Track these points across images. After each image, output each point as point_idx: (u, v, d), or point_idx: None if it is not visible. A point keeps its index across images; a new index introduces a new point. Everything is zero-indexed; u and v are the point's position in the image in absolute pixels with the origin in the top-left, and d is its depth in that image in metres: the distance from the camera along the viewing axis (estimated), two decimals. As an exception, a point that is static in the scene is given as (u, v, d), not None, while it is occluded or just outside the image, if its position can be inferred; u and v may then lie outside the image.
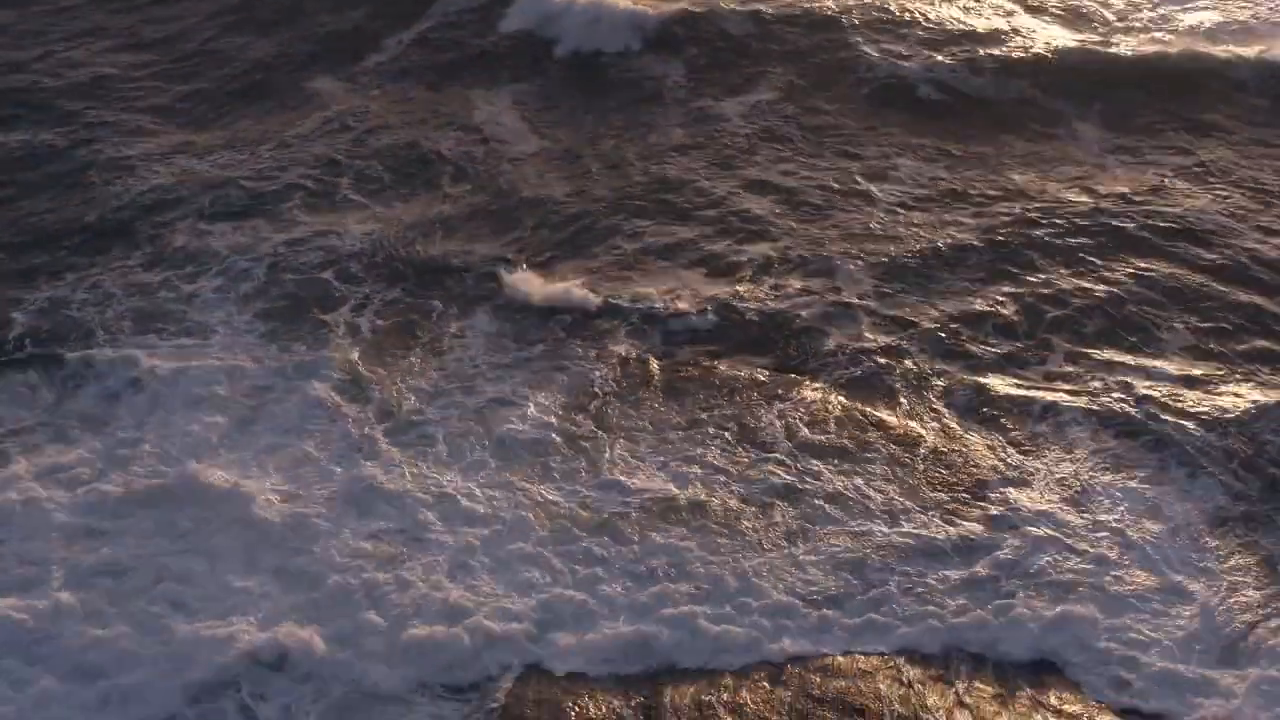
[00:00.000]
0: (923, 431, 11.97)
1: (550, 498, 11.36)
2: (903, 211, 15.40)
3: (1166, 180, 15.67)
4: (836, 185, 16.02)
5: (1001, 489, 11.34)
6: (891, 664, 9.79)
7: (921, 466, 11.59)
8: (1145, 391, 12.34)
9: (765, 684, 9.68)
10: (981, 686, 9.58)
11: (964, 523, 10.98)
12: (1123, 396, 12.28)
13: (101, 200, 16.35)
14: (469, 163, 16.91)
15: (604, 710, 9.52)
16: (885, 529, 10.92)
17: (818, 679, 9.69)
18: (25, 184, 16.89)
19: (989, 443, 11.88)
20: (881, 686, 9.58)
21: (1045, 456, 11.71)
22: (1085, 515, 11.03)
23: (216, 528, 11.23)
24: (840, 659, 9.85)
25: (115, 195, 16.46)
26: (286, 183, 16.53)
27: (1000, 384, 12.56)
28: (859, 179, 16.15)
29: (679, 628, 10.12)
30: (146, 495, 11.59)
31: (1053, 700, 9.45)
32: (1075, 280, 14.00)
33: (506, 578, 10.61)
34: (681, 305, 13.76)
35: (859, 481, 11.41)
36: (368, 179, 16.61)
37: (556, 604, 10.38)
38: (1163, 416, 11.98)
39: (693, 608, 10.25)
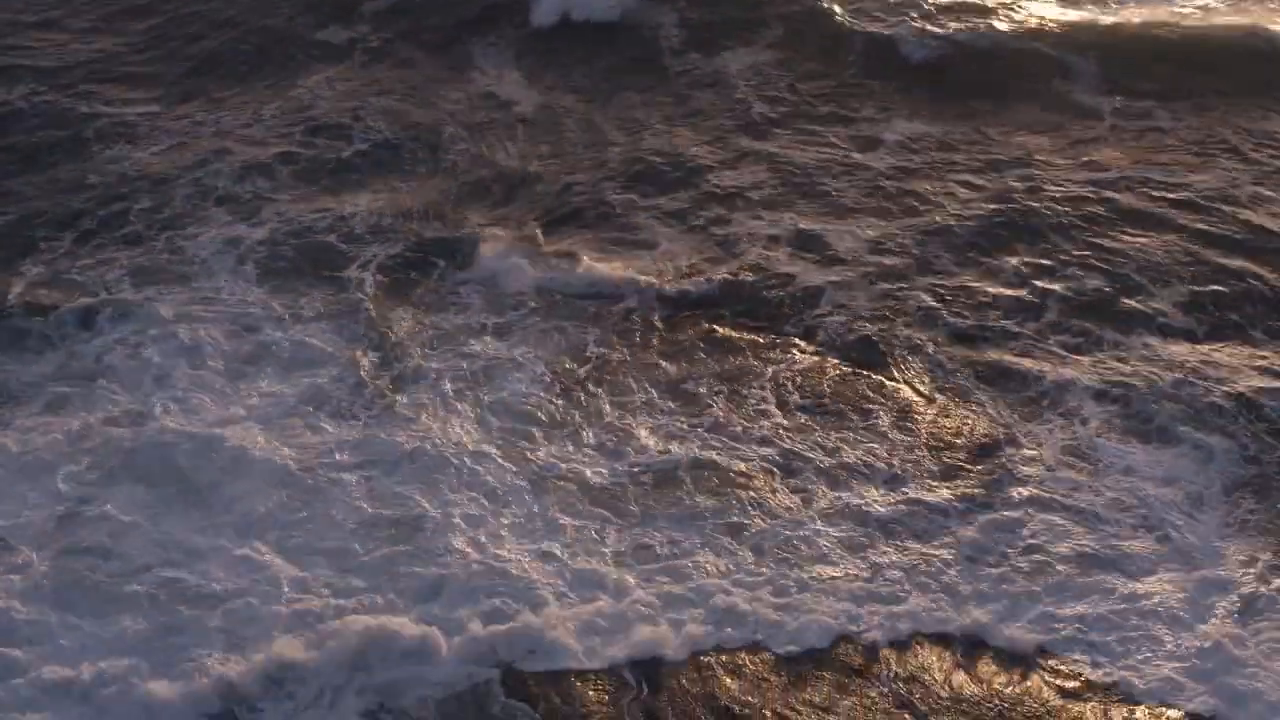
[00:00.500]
0: (919, 397, 11.97)
1: (548, 461, 11.37)
2: (898, 177, 15.41)
3: (1170, 149, 15.70)
4: (831, 149, 16.02)
5: (1003, 454, 11.31)
6: (891, 633, 9.76)
7: (921, 432, 11.59)
8: (1148, 355, 12.38)
9: (759, 662, 9.62)
10: (984, 660, 9.53)
11: (965, 489, 10.98)
12: (1123, 361, 12.31)
13: (101, 162, 16.36)
14: (468, 127, 16.91)
15: (606, 688, 9.46)
16: (884, 495, 10.93)
17: (811, 661, 9.62)
18: (25, 146, 16.89)
19: (989, 407, 11.85)
20: (887, 655, 9.60)
21: (1047, 421, 11.68)
22: (1090, 481, 10.99)
23: (217, 476, 11.31)
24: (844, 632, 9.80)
25: (115, 158, 16.49)
26: (286, 147, 16.56)
27: (998, 348, 12.56)
28: (852, 144, 16.15)
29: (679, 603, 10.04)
30: (149, 447, 11.65)
31: (1060, 670, 9.45)
32: (1074, 246, 14.00)
33: (505, 543, 10.56)
34: (676, 270, 13.77)
35: (860, 447, 11.41)
36: (367, 143, 16.63)
37: (560, 573, 10.29)
38: (1167, 379, 12.02)
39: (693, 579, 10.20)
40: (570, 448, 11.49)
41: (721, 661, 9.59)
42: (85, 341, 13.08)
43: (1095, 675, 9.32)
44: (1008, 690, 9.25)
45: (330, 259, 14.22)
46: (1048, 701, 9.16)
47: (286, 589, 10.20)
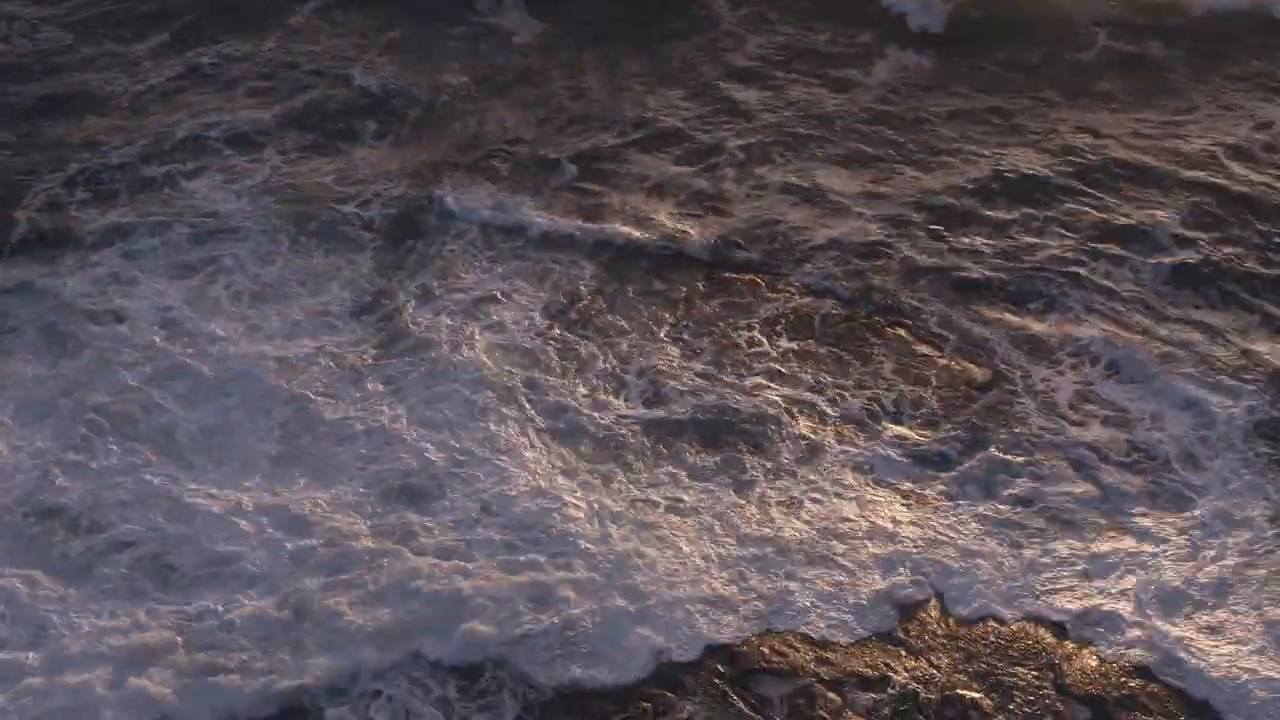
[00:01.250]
0: (921, 341, 11.89)
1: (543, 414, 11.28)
2: (896, 126, 15.32)
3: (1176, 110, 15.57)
4: (830, 98, 15.93)
5: (1008, 397, 11.24)
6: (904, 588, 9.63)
7: (922, 376, 11.52)
8: (1154, 303, 12.29)
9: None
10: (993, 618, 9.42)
11: (965, 431, 10.92)
12: (1131, 284, 12.28)
13: (102, 98, 16.25)
14: (469, 70, 16.76)
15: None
16: (886, 436, 10.87)
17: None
18: (25, 81, 16.76)
19: (995, 350, 11.78)
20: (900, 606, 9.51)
21: (1052, 358, 11.60)
22: (1096, 424, 10.95)
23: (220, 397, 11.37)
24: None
25: (115, 95, 16.38)
26: (289, 83, 16.42)
27: (997, 281, 12.51)
28: (848, 93, 16.03)
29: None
30: (155, 375, 11.66)
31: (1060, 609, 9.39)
32: (1075, 200, 13.84)
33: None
34: (673, 216, 13.69)
35: (859, 391, 11.34)
36: (370, 77, 16.49)
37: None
38: (1172, 328, 11.93)
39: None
40: (564, 393, 11.39)
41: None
42: (84, 278, 13.00)
43: (1095, 617, 9.26)
44: (1005, 632, 9.20)
45: (330, 195, 14.13)
46: (1042, 640, 9.12)
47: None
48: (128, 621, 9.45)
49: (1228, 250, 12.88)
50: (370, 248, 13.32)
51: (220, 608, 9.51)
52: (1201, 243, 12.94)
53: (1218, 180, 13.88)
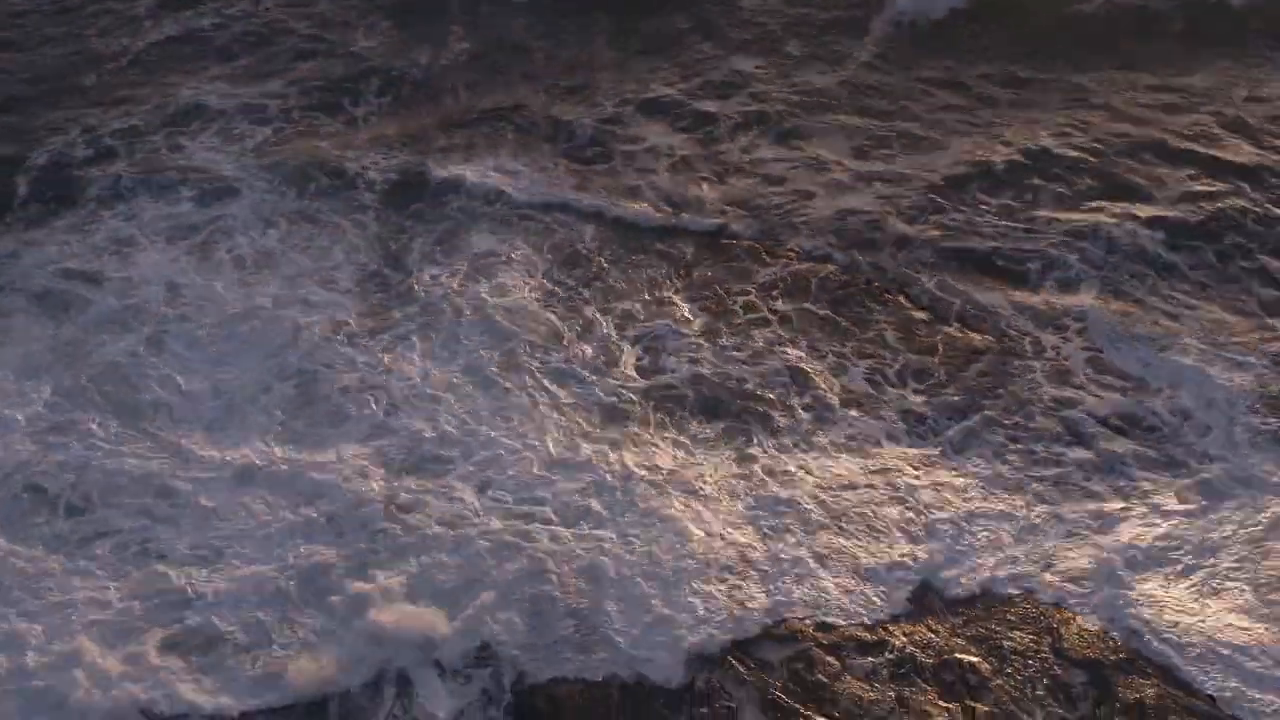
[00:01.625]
0: (920, 309, 11.87)
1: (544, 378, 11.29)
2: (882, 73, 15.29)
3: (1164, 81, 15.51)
4: (814, 63, 15.92)
5: (1008, 362, 11.22)
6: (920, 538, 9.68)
7: (923, 338, 11.51)
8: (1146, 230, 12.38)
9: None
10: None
11: (964, 397, 10.90)
12: (1127, 241, 12.26)
13: (102, 58, 16.18)
14: (471, 36, 16.67)
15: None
16: (887, 403, 10.86)
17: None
18: (27, 41, 16.67)
19: (992, 309, 11.78)
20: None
21: (1056, 324, 11.58)
22: (1097, 388, 10.93)
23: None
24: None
25: (115, 56, 16.32)
26: (290, 44, 16.37)
27: (997, 249, 12.46)
28: (836, 61, 15.99)
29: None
30: (154, 338, 11.68)
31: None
32: (1065, 137, 13.90)
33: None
34: (667, 182, 13.65)
35: (862, 357, 11.33)
36: (371, 42, 16.40)
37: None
38: (1179, 299, 11.90)
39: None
40: (567, 358, 11.38)
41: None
42: (85, 237, 13.01)
43: (1094, 582, 9.27)
44: (1003, 597, 9.24)
45: (331, 158, 14.10)
46: (1040, 605, 9.15)
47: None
48: (120, 592, 9.35)
49: (1231, 219, 12.86)
50: (372, 209, 13.31)
51: (218, 576, 9.42)
52: (1205, 211, 12.91)
53: (1218, 152, 13.80)
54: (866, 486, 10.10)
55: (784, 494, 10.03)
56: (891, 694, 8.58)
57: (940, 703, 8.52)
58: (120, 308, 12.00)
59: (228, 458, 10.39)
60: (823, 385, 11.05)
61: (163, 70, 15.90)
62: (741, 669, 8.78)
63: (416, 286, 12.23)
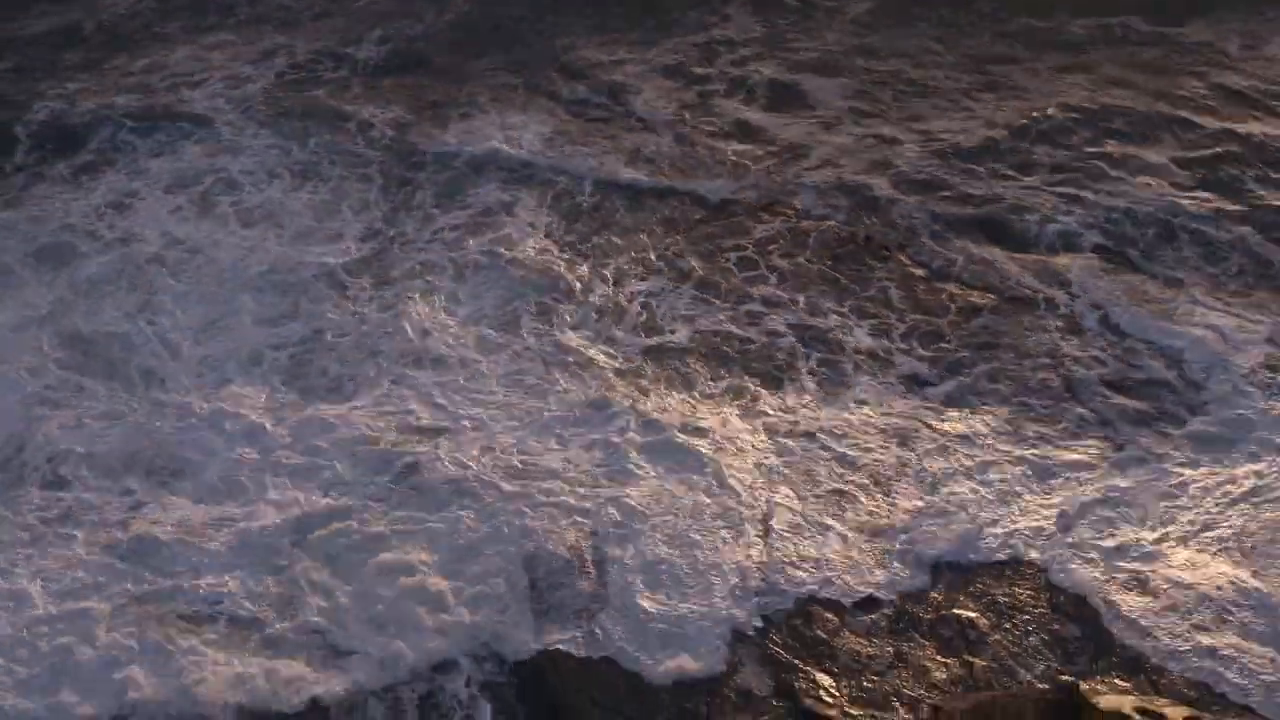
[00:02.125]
0: (917, 265, 11.87)
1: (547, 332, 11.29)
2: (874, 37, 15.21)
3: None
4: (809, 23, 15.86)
5: (1009, 319, 11.25)
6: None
7: (924, 297, 11.52)
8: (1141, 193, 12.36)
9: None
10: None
11: (966, 353, 10.90)
12: (1128, 203, 12.24)
13: (101, 11, 16.15)
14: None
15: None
16: (891, 354, 10.87)
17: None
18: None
19: (995, 266, 11.78)
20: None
21: (1060, 280, 11.56)
22: (1099, 349, 10.92)
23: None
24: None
25: (114, 8, 16.29)
26: (293, 7, 16.26)
27: (998, 211, 12.46)
28: (832, 23, 15.88)
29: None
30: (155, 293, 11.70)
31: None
32: (1062, 98, 13.88)
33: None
34: (667, 144, 13.61)
35: (863, 316, 11.32)
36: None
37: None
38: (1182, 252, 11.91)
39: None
40: (569, 316, 11.40)
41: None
42: (85, 193, 13.00)
43: (1091, 536, 9.32)
44: (999, 549, 9.29)
45: (330, 108, 14.09)
46: (1037, 560, 9.19)
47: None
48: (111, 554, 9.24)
49: (1232, 187, 12.85)
50: (376, 164, 13.26)
51: (222, 532, 9.34)
52: (1207, 181, 12.85)
53: (1218, 120, 13.73)
54: (866, 443, 10.12)
55: (784, 449, 10.04)
56: (890, 649, 8.62)
57: (939, 657, 8.57)
58: (122, 262, 12.01)
59: (230, 411, 10.39)
60: (824, 343, 11.06)
61: (162, 25, 15.81)
62: (741, 623, 8.83)
63: (416, 244, 12.22)
